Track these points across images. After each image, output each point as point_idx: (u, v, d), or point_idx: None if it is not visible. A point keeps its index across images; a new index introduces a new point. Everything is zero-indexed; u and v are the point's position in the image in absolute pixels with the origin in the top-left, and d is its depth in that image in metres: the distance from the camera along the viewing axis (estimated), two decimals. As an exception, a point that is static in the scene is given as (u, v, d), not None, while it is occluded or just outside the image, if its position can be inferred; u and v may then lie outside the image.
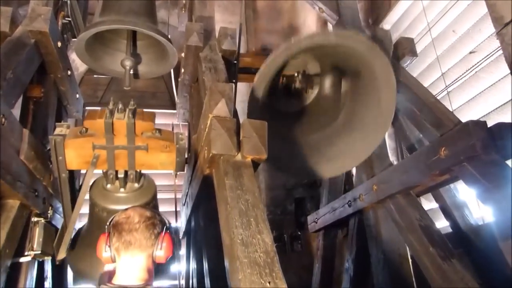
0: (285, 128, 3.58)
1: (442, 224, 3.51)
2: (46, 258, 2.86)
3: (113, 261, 1.93)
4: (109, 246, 1.92)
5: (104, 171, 2.75)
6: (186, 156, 2.87)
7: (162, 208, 3.49)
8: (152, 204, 2.86)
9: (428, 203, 4.14)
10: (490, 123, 2.50)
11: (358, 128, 3.39)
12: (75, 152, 2.56)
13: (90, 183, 2.78)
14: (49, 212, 2.87)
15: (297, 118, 3.73)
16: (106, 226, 1.99)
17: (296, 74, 3.51)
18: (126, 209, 2.02)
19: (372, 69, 3.04)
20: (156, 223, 1.97)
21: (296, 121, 3.71)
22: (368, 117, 3.31)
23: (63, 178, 2.62)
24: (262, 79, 2.97)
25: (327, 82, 3.63)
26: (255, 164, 2.30)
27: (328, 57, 3.41)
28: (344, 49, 3.05)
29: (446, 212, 3.35)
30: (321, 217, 4.52)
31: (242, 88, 7.26)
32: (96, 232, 2.51)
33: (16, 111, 2.85)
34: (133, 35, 3.55)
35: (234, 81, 3.41)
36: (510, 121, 2.99)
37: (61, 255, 2.62)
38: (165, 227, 2.00)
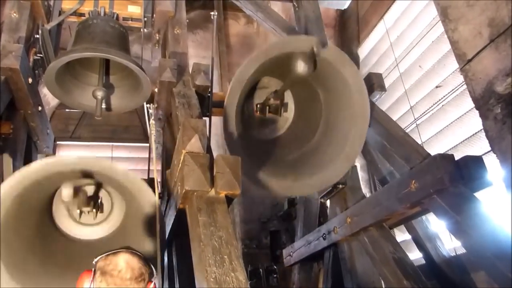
0: (264, 153, 3.59)
1: (415, 255, 3.53)
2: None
3: None
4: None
5: None
6: (160, 191, 2.84)
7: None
8: None
9: (401, 235, 4.18)
10: (458, 155, 2.57)
11: (336, 142, 3.41)
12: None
13: None
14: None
15: (275, 143, 3.76)
16: (94, 263, 1.90)
17: (269, 95, 3.59)
18: (116, 253, 1.91)
19: (342, 76, 3.12)
20: (145, 276, 1.89)
21: (274, 145, 3.73)
22: (344, 128, 3.35)
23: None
24: (233, 95, 2.99)
25: (300, 101, 3.69)
26: (229, 199, 2.30)
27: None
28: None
29: (419, 243, 3.39)
30: (296, 250, 4.49)
31: (216, 121, 7.31)
32: None
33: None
34: (106, 67, 3.54)
35: (208, 114, 3.43)
36: (477, 153, 3.08)
37: None
38: (151, 274, 1.93)
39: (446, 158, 2.53)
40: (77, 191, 2.29)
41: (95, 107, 3.24)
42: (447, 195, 2.42)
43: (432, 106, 4.45)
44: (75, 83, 3.52)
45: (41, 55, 3.42)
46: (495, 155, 2.31)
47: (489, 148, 2.42)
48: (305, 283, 4.52)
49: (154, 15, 3.89)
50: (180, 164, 2.33)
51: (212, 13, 3.26)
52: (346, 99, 3.29)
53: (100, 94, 3.24)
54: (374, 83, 3.60)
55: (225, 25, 7.91)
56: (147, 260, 1.95)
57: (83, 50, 3.10)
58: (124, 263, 1.84)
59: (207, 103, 3.66)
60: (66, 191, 2.15)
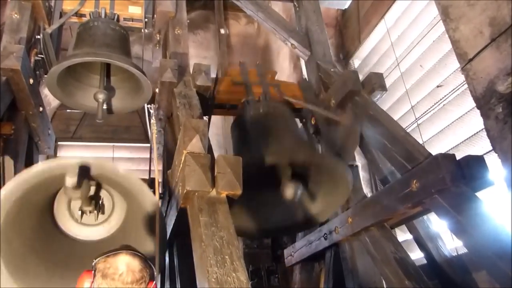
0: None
1: (416, 255, 3.53)
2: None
3: None
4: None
5: None
6: (161, 191, 2.85)
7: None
8: None
9: (403, 235, 4.18)
10: (459, 155, 2.56)
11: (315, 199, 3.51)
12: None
13: None
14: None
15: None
16: (93, 264, 1.89)
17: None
18: (116, 255, 1.90)
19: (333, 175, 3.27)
20: (146, 278, 1.88)
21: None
22: (320, 199, 3.50)
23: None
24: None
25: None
26: (230, 199, 2.30)
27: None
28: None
29: (420, 243, 3.38)
30: (297, 250, 4.49)
31: (217, 121, 7.32)
32: None
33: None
34: (107, 69, 3.55)
35: (208, 116, 3.43)
36: (478, 153, 3.07)
37: None
38: (152, 275, 1.92)
39: (448, 157, 2.53)
40: (80, 181, 2.27)
41: (97, 109, 3.24)
42: (448, 194, 2.42)
43: (433, 105, 4.44)
44: (76, 85, 3.53)
45: (42, 56, 3.43)
46: (496, 154, 2.31)
47: (491, 148, 2.42)
48: (306, 283, 4.52)
49: (155, 16, 3.90)
50: (181, 165, 2.33)
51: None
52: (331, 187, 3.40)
53: (101, 97, 3.25)
54: (375, 82, 3.59)
55: (225, 25, 7.92)
56: (148, 261, 1.95)
57: (84, 55, 3.11)
58: (125, 266, 1.82)
59: (208, 104, 3.67)
60: (70, 180, 2.14)
